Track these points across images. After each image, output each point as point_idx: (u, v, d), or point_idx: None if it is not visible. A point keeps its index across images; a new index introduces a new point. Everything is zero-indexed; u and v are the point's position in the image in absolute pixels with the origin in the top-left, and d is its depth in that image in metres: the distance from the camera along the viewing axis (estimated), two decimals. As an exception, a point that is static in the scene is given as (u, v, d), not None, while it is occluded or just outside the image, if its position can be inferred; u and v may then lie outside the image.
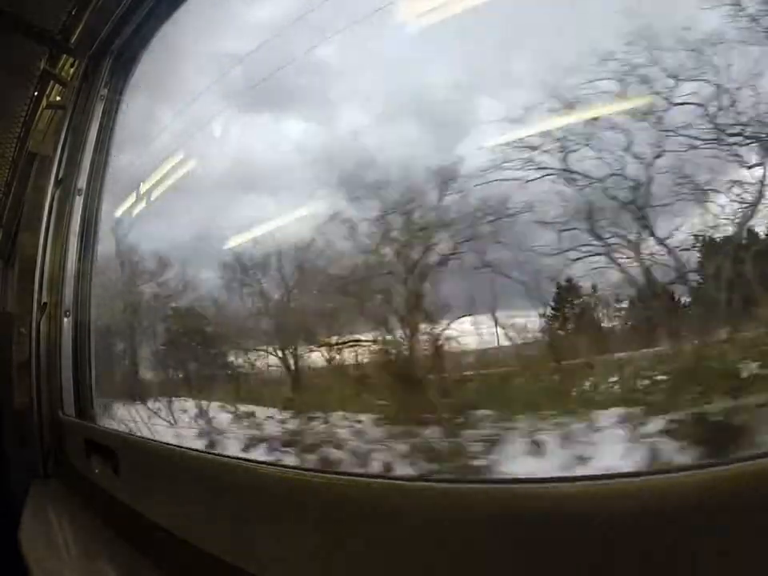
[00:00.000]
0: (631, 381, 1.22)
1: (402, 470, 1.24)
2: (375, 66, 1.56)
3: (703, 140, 1.07)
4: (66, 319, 1.94)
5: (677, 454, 0.92)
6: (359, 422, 1.47)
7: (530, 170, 1.27)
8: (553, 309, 1.36)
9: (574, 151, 1.22)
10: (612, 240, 1.21)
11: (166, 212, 2.18)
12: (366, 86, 1.59)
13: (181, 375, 2.34)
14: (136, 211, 2.22)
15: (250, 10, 1.86)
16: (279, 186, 1.90)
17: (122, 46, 2.01)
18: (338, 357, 1.65)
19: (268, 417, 1.73)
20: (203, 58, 1.96)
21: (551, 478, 0.53)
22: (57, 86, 2.37)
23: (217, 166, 2.06)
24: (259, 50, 1.62)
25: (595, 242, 1.21)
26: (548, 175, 1.26)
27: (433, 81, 1.44)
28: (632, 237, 1.19)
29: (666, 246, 1.16)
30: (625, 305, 1.32)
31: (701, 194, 1.11)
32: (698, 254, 1.15)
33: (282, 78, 1.63)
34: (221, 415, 1.83)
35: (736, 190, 1.07)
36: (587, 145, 1.21)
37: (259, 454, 1.49)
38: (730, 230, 1.11)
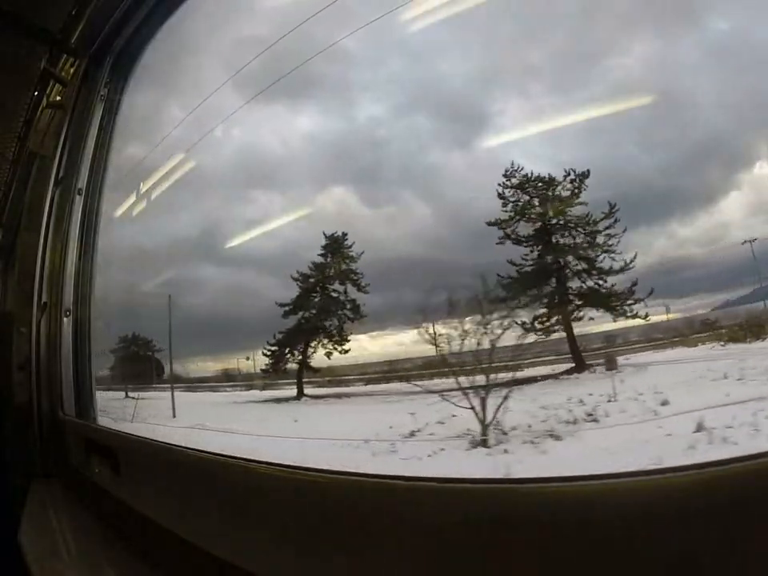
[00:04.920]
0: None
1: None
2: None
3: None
4: (65, 319, 1.94)
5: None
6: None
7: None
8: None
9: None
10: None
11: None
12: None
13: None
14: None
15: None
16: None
17: (122, 46, 2.01)
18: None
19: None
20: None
21: (551, 477, 0.53)
22: (57, 85, 2.36)
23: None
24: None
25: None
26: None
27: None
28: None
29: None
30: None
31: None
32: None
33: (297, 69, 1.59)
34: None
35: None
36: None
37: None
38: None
